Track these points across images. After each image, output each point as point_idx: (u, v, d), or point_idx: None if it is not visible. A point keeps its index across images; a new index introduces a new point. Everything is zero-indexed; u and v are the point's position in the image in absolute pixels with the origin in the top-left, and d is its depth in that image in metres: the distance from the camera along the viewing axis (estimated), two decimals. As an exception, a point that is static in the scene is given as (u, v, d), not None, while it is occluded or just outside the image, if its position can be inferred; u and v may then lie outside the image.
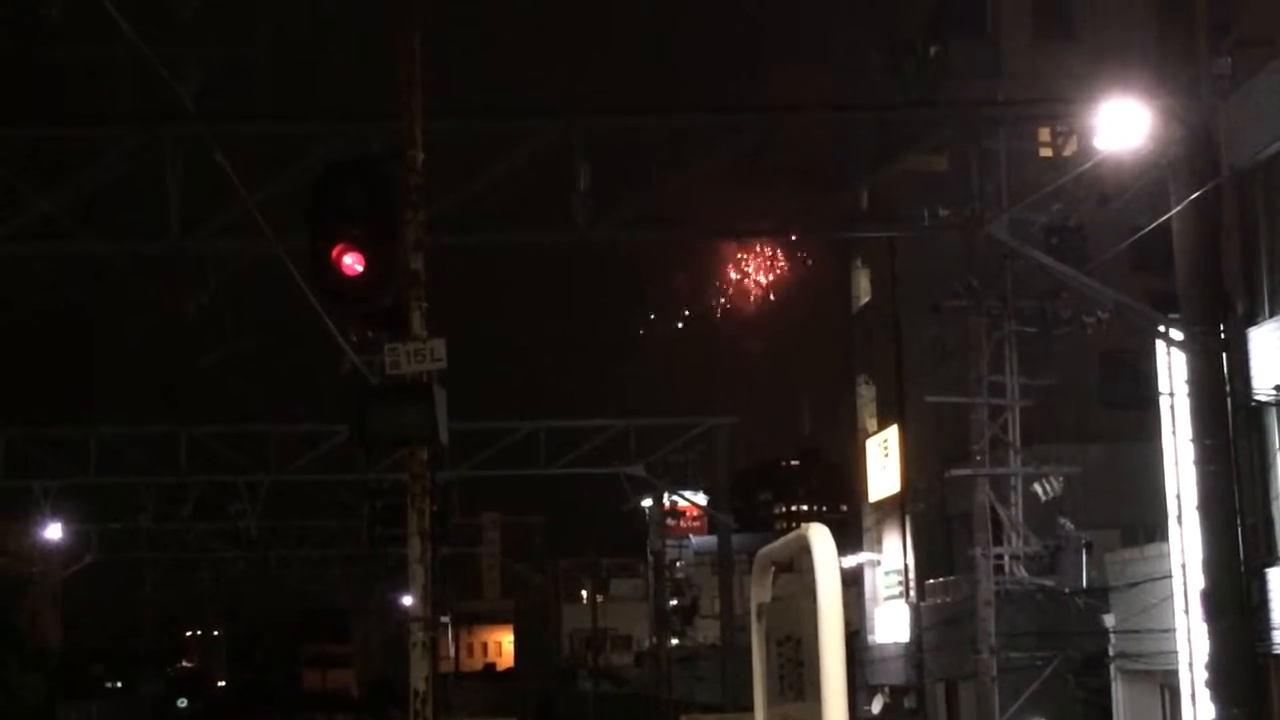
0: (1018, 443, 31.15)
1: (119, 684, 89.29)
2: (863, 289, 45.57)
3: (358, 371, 15.35)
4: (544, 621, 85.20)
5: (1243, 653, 20.06)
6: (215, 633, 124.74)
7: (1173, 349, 21.51)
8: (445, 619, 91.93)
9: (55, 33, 19.04)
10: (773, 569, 6.84)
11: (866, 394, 45.16)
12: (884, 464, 42.11)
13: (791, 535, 6.30)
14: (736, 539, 47.72)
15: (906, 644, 39.45)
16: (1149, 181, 22.18)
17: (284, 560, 61.77)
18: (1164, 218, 20.69)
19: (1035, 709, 29.87)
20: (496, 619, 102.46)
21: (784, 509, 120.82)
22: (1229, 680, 19.85)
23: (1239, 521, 20.39)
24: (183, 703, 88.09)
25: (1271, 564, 22.09)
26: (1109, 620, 28.76)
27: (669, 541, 53.57)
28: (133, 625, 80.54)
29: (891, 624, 41.46)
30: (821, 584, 5.92)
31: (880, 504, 43.09)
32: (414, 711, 13.26)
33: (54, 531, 48.70)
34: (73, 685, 66.11)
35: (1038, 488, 30.39)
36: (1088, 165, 22.61)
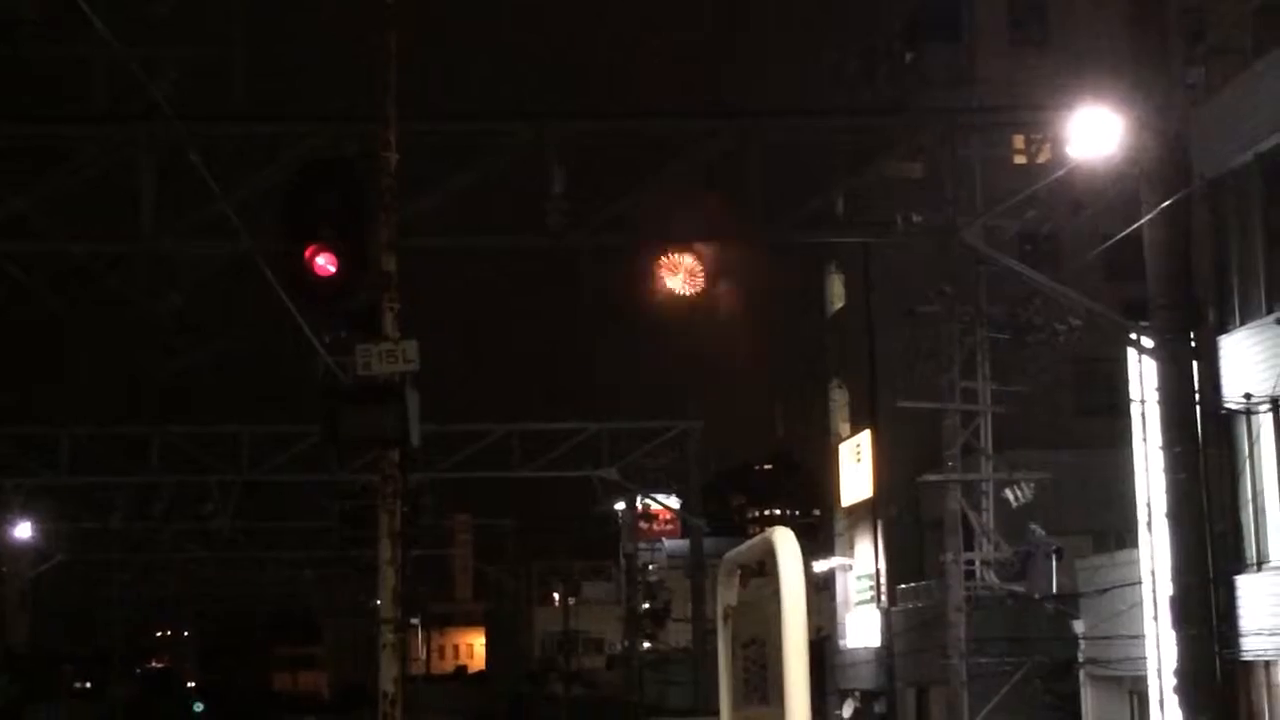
0: (989, 449, 31.24)
1: (88, 685, 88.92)
2: (836, 294, 45.64)
3: (331, 372, 15.35)
4: (515, 624, 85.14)
5: (1211, 659, 20.16)
6: (185, 634, 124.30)
7: (1144, 357, 21.61)
8: (415, 621, 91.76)
9: (30, 31, 18.99)
10: (739, 572, 6.85)
11: (839, 398, 45.22)
12: (856, 469, 42.19)
13: (757, 539, 6.32)
14: (709, 542, 47.75)
15: (878, 649, 39.53)
16: (1121, 190, 22.28)
17: (256, 561, 61.61)
18: (1135, 226, 20.79)
19: (1005, 714, 29.94)
20: (468, 621, 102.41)
21: (757, 513, 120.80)
22: (1197, 687, 19.95)
23: (1208, 529, 20.50)
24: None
25: (1240, 571, 22.20)
26: (1078, 626, 28.86)
27: (641, 545, 53.58)
28: (102, 626, 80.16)
29: (863, 629, 41.53)
30: (785, 587, 5.93)
31: (852, 509, 43.16)
32: (383, 713, 13.26)
33: (23, 530, 48.46)
34: (41, 686, 65.76)
35: (1009, 494, 30.47)
36: (1061, 173, 22.70)
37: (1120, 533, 27.98)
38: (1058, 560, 30.61)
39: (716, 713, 7.02)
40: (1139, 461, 23.18)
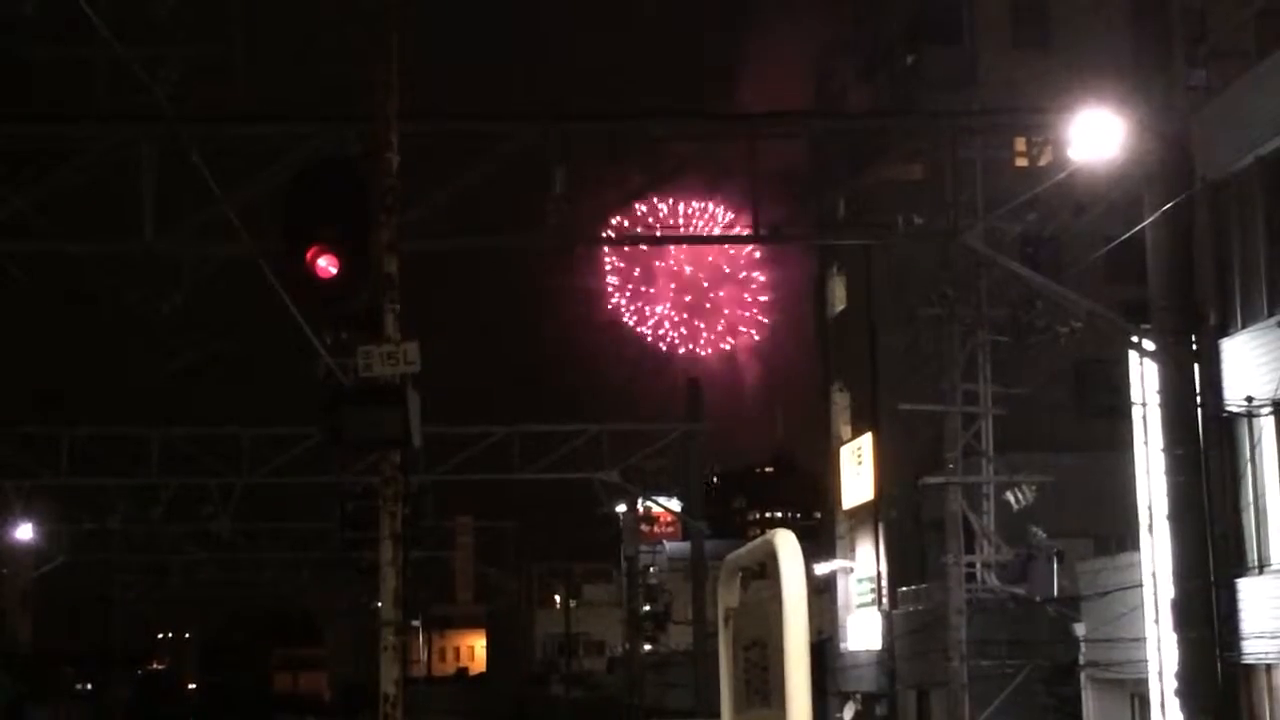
0: (990, 451, 31.20)
1: (89, 686, 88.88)
2: (838, 296, 45.62)
3: (332, 374, 15.34)
4: (516, 626, 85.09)
5: (1212, 663, 20.13)
6: (186, 635, 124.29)
7: (1145, 359, 21.58)
8: (416, 623, 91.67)
9: (31, 30, 18.99)
10: (740, 574, 6.84)
11: (841, 401, 45.19)
12: (858, 471, 42.15)
13: (758, 541, 6.30)
14: (710, 545, 47.68)
15: (879, 651, 39.51)
16: (1123, 192, 22.25)
17: (256, 563, 61.59)
18: (1137, 228, 20.76)
19: (1006, 717, 29.92)
20: (469, 623, 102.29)
21: (758, 515, 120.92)
22: (1198, 690, 19.91)
23: (1209, 532, 20.47)
24: None
25: (1241, 574, 22.18)
26: (1080, 629, 28.84)
27: (642, 547, 53.53)
28: (103, 627, 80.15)
29: (864, 631, 41.51)
30: (787, 589, 5.92)
31: (854, 511, 43.13)
32: (383, 715, 13.24)
33: (24, 532, 48.46)
34: (41, 687, 65.75)
35: (1010, 496, 30.46)
36: (1062, 175, 22.68)
37: (1121, 535, 27.95)
38: (1059, 563, 30.58)
39: (717, 715, 7.00)
40: (1140, 464, 23.16)
